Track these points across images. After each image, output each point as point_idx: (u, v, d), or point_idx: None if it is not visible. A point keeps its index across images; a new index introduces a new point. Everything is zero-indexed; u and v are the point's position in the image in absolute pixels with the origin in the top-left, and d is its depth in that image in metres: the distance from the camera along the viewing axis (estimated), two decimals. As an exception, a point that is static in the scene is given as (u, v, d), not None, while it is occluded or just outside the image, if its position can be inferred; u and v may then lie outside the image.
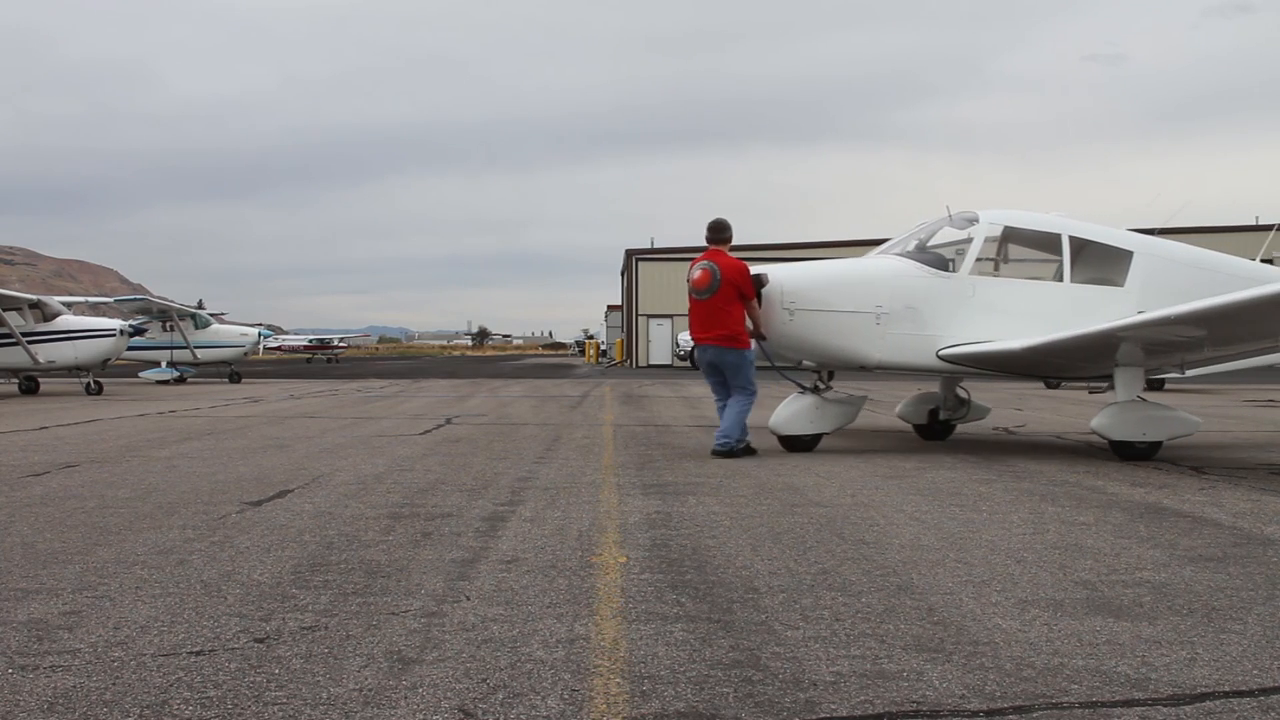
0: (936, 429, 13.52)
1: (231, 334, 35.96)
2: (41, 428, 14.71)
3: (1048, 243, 12.48)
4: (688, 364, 46.95)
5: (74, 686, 3.49)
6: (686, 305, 11.31)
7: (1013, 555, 5.75)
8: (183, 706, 3.31)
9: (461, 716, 3.26)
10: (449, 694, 3.44)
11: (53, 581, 5.00)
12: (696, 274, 10.92)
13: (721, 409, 11.12)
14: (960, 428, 15.12)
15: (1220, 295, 10.20)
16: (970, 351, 11.60)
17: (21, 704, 3.33)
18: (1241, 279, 12.90)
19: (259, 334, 38.86)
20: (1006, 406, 21.47)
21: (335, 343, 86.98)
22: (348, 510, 7.20)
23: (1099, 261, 12.36)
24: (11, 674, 3.61)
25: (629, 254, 63.72)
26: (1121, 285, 12.20)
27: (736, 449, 10.73)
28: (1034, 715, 3.30)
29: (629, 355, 62.54)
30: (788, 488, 8.46)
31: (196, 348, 33.75)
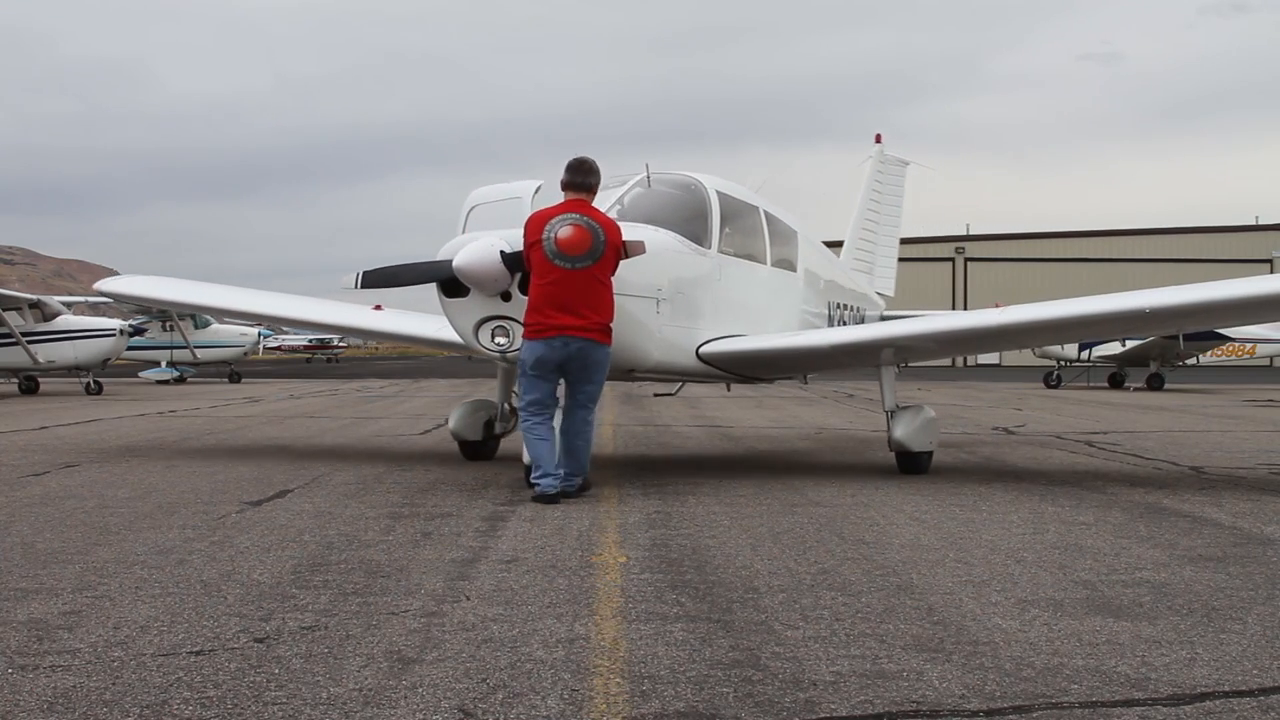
0: (490, 445, 10.42)
1: (231, 334, 35.97)
2: (41, 428, 14.71)
3: (752, 217, 10.41)
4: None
5: (74, 686, 3.48)
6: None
7: (1013, 555, 5.75)
8: (183, 706, 3.31)
9: (461, 716, 3.26)
10: (449, 694, 3.44)
11: (53, 581, 4.99)
12: (566, 230, 7.48)
13: (539, 428, 7.69)
14: (960, 429, 15.10)
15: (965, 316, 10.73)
16: (757, 349, 9.55)
17: (21, 704, 3.33)
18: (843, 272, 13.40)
19: (259, 334, 38.87)
20: (1006, 406, 21.49)
21: (335, 343, 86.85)
22: (348, 510, 7.20)
23: (781, 242, 10.85)
24: (11, 674, 3.61)
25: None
26: (795, 270, 11.04)
27: (582, 486, 7.87)
28: (1034, 715, 3.29)
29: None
30: (787, 487, 8.46)
31: (196, 347, 33.77)
